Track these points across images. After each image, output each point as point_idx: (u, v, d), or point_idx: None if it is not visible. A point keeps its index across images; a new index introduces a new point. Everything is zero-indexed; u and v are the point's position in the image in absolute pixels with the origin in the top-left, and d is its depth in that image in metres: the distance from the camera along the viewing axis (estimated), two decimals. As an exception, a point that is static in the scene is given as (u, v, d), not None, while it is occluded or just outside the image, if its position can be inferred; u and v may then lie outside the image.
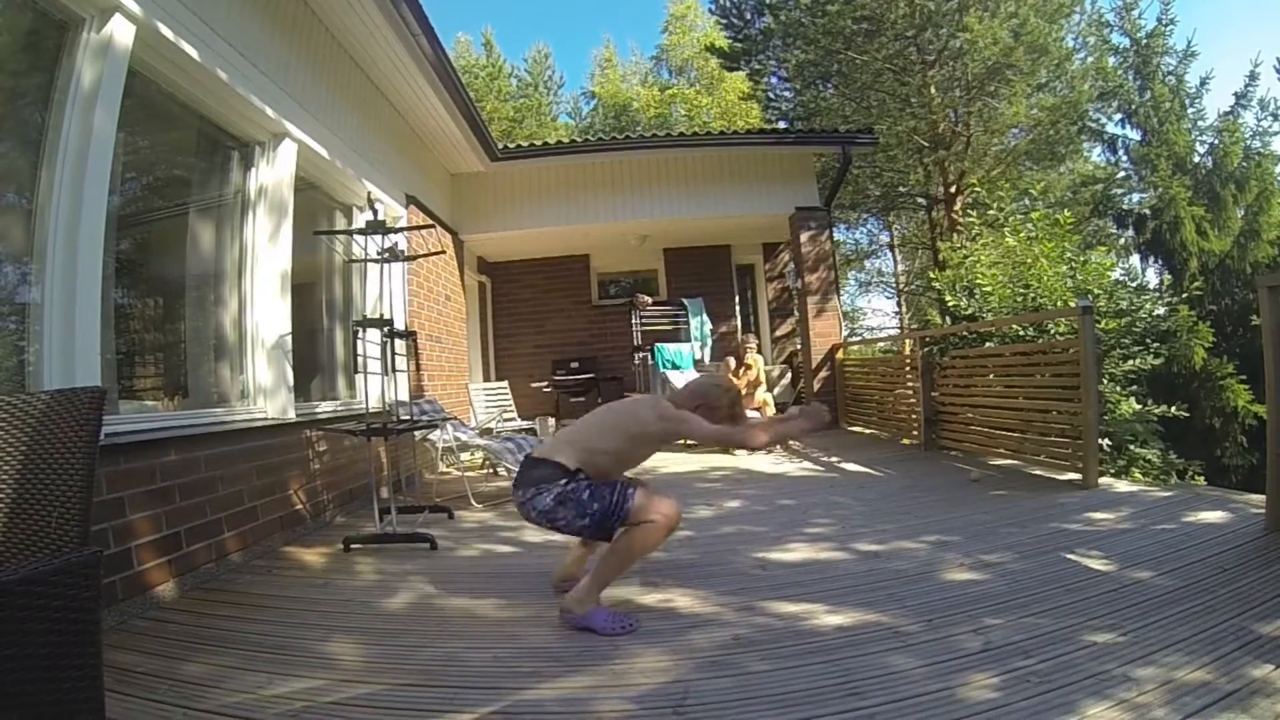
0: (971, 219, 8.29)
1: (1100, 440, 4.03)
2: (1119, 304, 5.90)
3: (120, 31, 2.48)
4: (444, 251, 6.43)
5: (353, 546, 3.22)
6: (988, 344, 5.85)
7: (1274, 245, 10.06)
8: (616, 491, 2.16)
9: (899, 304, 21.02)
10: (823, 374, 7.85)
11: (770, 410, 6.50)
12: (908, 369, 6.35)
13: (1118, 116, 12.22)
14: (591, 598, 2.13)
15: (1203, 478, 6.52)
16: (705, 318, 8.91)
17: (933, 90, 11.74)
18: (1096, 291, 5.86)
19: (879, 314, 23.56)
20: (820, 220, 8.05)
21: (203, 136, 3.40)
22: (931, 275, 9.22)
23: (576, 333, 9.23)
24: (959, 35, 10.88)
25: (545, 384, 8.52)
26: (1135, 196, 12.58)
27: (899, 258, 21.24)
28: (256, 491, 3.21)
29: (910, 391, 6.10)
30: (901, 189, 15.02)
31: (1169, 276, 10.41)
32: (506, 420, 6.37)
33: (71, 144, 2.34)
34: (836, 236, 15.34)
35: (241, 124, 3.52)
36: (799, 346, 8.69)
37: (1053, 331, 5.42)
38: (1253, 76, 11.36)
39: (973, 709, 1.51)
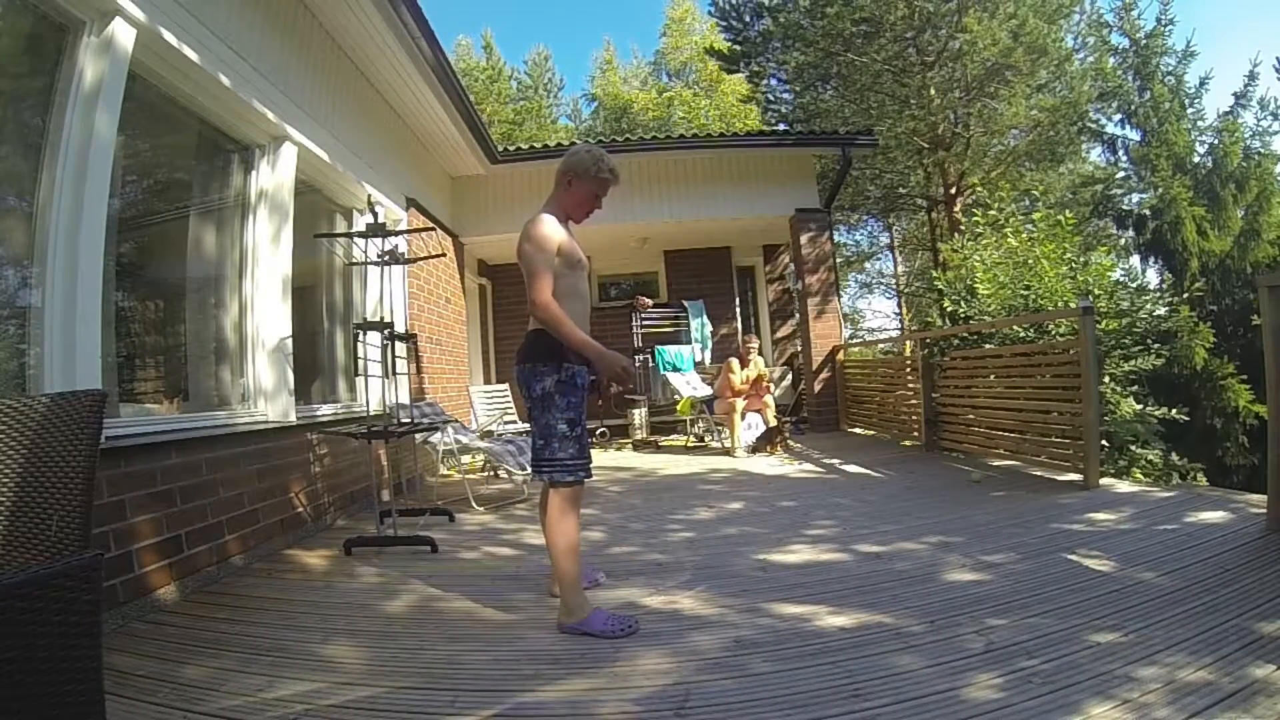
0: (975, 218, 8.29)
1: (1101, 441, 4.03)
2: (1120, 304, 5.90)
3: (121, 35, 2.48)
4: (444, 254, 6.43)
5: (354, 549, 3.21)
6: (988, 345, 5.85)
7: (1274, 245, 10.04)
8: (574, 437, 2.14)
9: (899, 305, 21.02)
10: (823, 375, 7.85)
11: (771, 412, 6.50)
12: (909, 370, 6.35)
13: (1117, 117, 12.20)
14: (577, 603, 2.12)
15: (1204, 478, 6.51)
16: (706, 320, 8.92)
17: (932, 91, 11.75)
18: (1097, 292, 5.87)
19: (879, 315, 23.62)
20: (820, 222, 8.06)
21: (203, 139, 3.40)
22: (934, 275, 9.22)
23: (577, 335, 9.21)
24: (958, 36, 10.89)
25: (546, 386, 8.50)
26: (1135, 197, 12.58)
27: (899, 259, 21.25)
28: (258, 494, 3.21)
29: (911, 392, 6.10)
30: (901, 190, 15.02)
31: (1169, 277, 10.40)
32: (507, 423, 6.36)
33: (72, 147, 2.34)
34: (837, 238, 15.37)
35: (242, 127, 3.52)
36: (799, 348, 8.69)
37: (1054, 332, 5.42)
38: (1252, 76, 11.36)
39: (976, 709, 1.50)
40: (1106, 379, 5.30)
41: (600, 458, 6.76)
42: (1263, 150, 11.13)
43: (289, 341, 3.62)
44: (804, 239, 7.94)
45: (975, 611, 2.08)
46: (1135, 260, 11.42)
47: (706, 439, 7.29)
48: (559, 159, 2.46)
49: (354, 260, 4.04)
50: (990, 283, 6.42)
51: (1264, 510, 2.81)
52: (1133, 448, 5.26)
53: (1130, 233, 11.84)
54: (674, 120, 20.02)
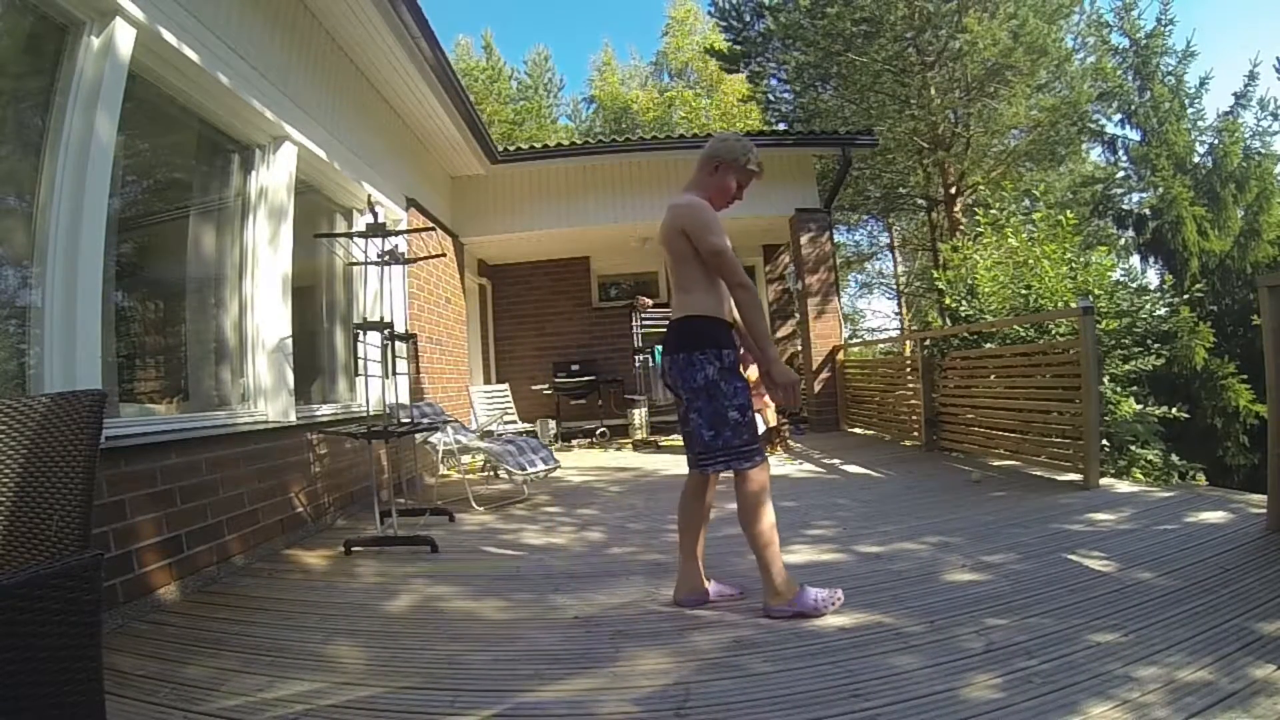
0: (977, 217, 8.29)
1: (1101, 441, 4.03)
2: (1120, 304, 5.89)
3: (121, 35, 2.48)
4: (444, 254, 6.43)
5: (354, 549, 3.22)
6: (989, 345, 5.85)
7: (1274, 245, 10.05)
8: (745, 422, 2.08)
9: (899, 305, 21.00)
10: (823, 375, 7.85)
11: (771, 412, 6.49)
12: (908, 370, 6.35)
13: (1118, 117, 12.21)
14: (786, 586, 2.11)
15: (1204, 478, 6.50)
16: (706, 319, 8.90)
17: (932, 91, 11.74)
18: (1097, 292, 5.86)
19: (879, 315, 23.59)
20: (820, 222, 8.06)
21: (203, 139, 3.41)
22: (935, 275, 9.22)
23: (577, 335, 9.23)
24: (958, 36, 10.88)
25: (546, 386, 8.52)
26: (1135, 197, 12.59)
27: (899, 259, 21.23)
28: (258, 494, 3.21)
29: (911, 392, 6.10)
30: (901, 190, 15.01)
31: (1169, 277, 10.40)
32: (507, 422, 6.37)
33: (72, 147, 2.35)
34: (837, 238, 15.36)
35: (241, 127, 3.53)
36: (799, 348, 8.69)
37: (1054, 332, 5.42)
38: (1252, 76, 11.36)
39: (976, 709, 1.50)
40: (1106, 379, 5.29)
41: (600, 458, 6.77)
42: (1263, 150, 11.14)
43: (289, 341, 3.62)
44: (804, 239, 7.94)
45: (975, 611, 2.08)
46: (1135, 260, 11.43)
47: (706, 439, 7.27)
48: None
49: (354, 260, 4.04)
50: (991, 282, 6.42)
51: (1264, 510, 2.81)
52: (1133, 448, 5.26)
53: (1130, 233, 11.85)
54: (674, 120, 20.01)
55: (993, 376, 5.06)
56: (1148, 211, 11.46)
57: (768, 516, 2.11)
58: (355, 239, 3.83)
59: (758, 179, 2.30)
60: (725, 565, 2.77)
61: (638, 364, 8.41)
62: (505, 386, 7.59)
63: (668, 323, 2.25)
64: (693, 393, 2.13)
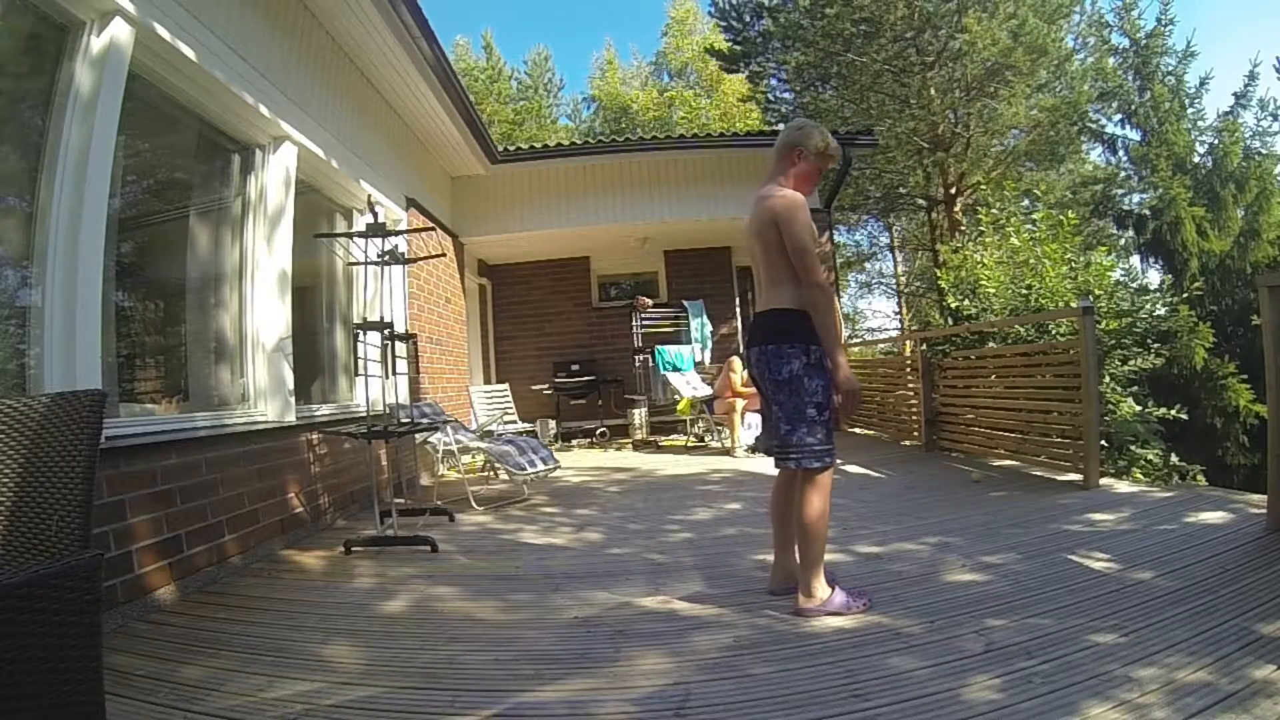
0: (978, 217, 8.30)
1: (1101, 441, 4.03)
2: (1120, 305, 5.90)
3: (120, 35, 2.48)
4: (444, 254, 6.43)
5: (353, 549, 3.21)
6: (989, 345, 5.85)
7: (1274, 245, 10.06)
8: (822, 421, 2.09)
9: (899, 305, 21.01)
10: (823, 375, 7.83)
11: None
12: (908, 370, 6.35)
13: (1118, 117, 12.23)
14: (818, 585, 2.13)
15: (1204, 478, 6.50)
16: (706, 319, 8.91)
17: (932, 91, 11.76)
18: (1098, 292, 5.86)
19: (880, 315, 23.60)
20: (820, 222, 8.01)
21: (203, 139, 3.40)
22: (937, 274, 9.22)
23: (577, 335, 9.23)
24: (958, 36, 10.89)
25: (546, 386, 8.52)
26: (1135, 197, 12.60)
27: (899, 259, 21.24)
28: (257, 494, 3.21)
29: (911, 393, 6.10)
30: (901, 190, 15.03)
31: (1169, 277, 10.40)
32: (507, 422, 6.37)
33: (72, 147, 2.34)
34: (837, 238, 15.38)
35: (241, 127, 3.52)
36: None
37: (1054, 332, 5.42)
38: (1252, 76, 11.38)
39: (975, 710, 1.50)
40: (1106, 379, 5.29)
41: (600, 458, 6.77)
42: (1263, 150, 11.16)
43: (288, 341, 3.62)
44: (804, 239, 7.93)
45: (975, 612, 2.08)
46: (1135, 260, 11.44)
47: (706, 439, 7.29)
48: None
49: (354, 260, 4.04)
50: (994, 281, 6.43)
51: (1264, 510, 2.81)
52: (1133, 448, 5.26)
53: (1130, 233, 11.86)
54: (674, 120, 20.02)
55: (993, 376, 5.07)
56: (1148, 212, 11.46)
57: (824, 519, 2.13)
58: (355, 239, 3.83)
59: (833, 161, 2.35)
60: (724, 565, 2.77)
61: (638, 364, 8.41)
62: (505, 386, 7.59)
63: (755, 315, 2.28)
64: (776, 385, 2.16)
